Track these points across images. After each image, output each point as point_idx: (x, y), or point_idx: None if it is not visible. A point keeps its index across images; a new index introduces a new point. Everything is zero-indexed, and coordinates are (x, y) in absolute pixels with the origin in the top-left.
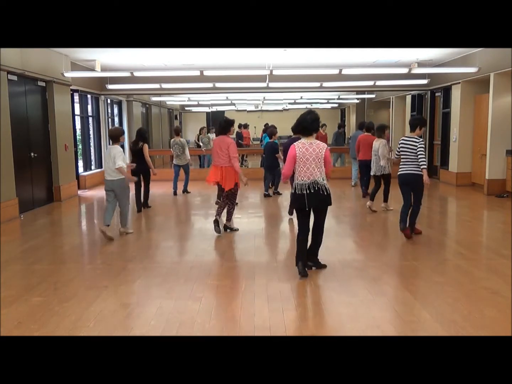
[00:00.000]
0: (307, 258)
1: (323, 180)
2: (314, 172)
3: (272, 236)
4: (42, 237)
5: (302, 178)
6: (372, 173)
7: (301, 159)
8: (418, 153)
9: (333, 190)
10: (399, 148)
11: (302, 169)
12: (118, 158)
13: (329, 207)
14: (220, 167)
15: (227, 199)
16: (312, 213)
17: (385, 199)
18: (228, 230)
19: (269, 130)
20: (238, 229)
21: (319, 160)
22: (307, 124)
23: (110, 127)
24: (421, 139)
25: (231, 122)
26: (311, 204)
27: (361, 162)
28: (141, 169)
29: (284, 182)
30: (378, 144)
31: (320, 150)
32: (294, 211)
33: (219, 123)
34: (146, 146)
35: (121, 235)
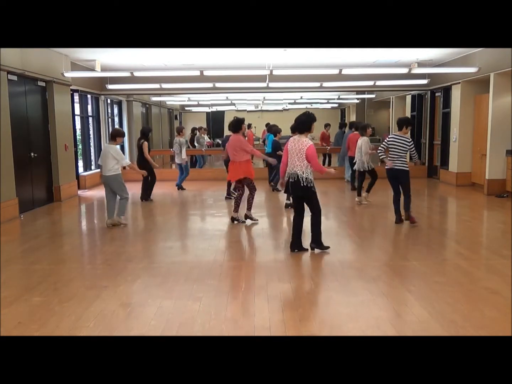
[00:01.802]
0: (311, 241)
1: (303, 173)
2: (296, 165)
3: (272, 236)
4: (42, 237)
5: (288, 168)
6: (355, 168)
7: (289, 152)
8: (411, 151)
9: (332, 190)
10: (387, 144)
11: (289, 161)
12: (123, 157)
13: (329, 207)
14: (238, 162)
15: (249, 191)
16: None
17: (368, 190)
18: (248, 219)
19: (274, 129)
20: (257, 220)
21: (301, 155)
22: (297, 124)
23: (110, 127)
24: (410, 138)
25: (241, 121)
26: (292, 191)
27: (350, 158)
28: (142, 164)
29: (281, 175)
30: (361, 142)
31: (303, 147)
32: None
33: (231, 122)
34: (145, 144)
35: (114, 223)
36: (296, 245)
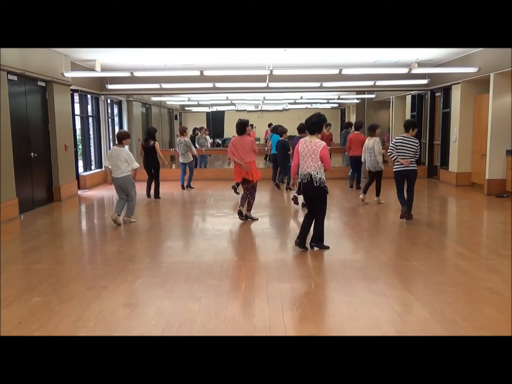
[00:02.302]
0: (311, 239)
1: (317, 174)
2: (310, 166)
3: (272, 236)
4: (42, 237)
5: (300, 169)
6: (368, 169)
7: (301, 154)
8: (418, 152)
9: (334, 190)
10: (396, 145)
11: (301, 162)
12: (133, 160)
13: (329, 207)
14: (248, 163)
15: (249, 192)
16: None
17: (378, 193)
18: (249, 219)
19: (280, 129)
20: (258, 219)
21: (315, 156)
22: (308, 125)
23: (110, 127)
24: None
25: (245, 123)
26: (304, 191)
27: (352, 158)
28: (152, 164)
29: (293, 176)
30: (372, 142)
31: (317, 148)
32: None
33: (236, 125)
34: (157, 143)
35: (125, 223)
36: (300, 242)
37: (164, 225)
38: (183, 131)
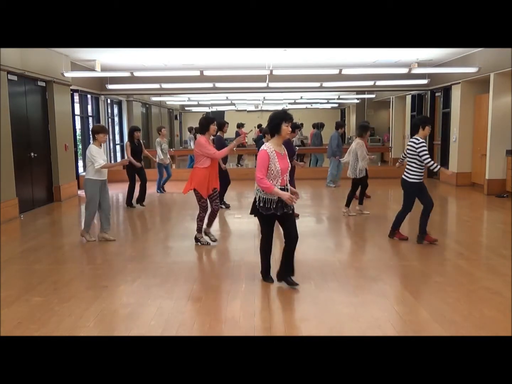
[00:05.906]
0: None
1: (257, 190)
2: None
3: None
4: (42, 237)
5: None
6: (350, 175)
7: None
8: (420, 154)
9: (334, 190)
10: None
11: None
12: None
13: (329, 207)
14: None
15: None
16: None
17: (360, 201)
18: (198, 242)
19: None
20: (207, 244)
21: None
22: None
23: (110, 127)
24: (421, 140)
25: (209, 121)
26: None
27: None
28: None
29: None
30: (355, 144)
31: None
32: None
33: (199, 121)
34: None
35: (100, 240)
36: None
37: (164, 226)
38: (159, 130)
